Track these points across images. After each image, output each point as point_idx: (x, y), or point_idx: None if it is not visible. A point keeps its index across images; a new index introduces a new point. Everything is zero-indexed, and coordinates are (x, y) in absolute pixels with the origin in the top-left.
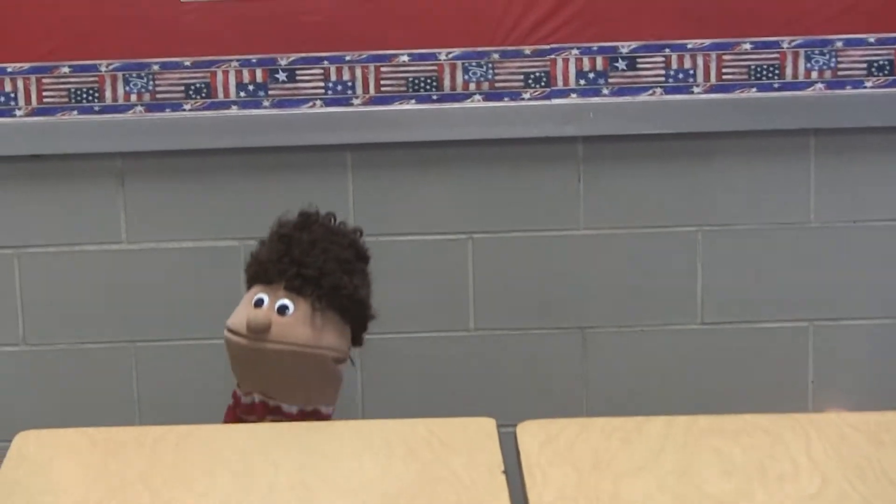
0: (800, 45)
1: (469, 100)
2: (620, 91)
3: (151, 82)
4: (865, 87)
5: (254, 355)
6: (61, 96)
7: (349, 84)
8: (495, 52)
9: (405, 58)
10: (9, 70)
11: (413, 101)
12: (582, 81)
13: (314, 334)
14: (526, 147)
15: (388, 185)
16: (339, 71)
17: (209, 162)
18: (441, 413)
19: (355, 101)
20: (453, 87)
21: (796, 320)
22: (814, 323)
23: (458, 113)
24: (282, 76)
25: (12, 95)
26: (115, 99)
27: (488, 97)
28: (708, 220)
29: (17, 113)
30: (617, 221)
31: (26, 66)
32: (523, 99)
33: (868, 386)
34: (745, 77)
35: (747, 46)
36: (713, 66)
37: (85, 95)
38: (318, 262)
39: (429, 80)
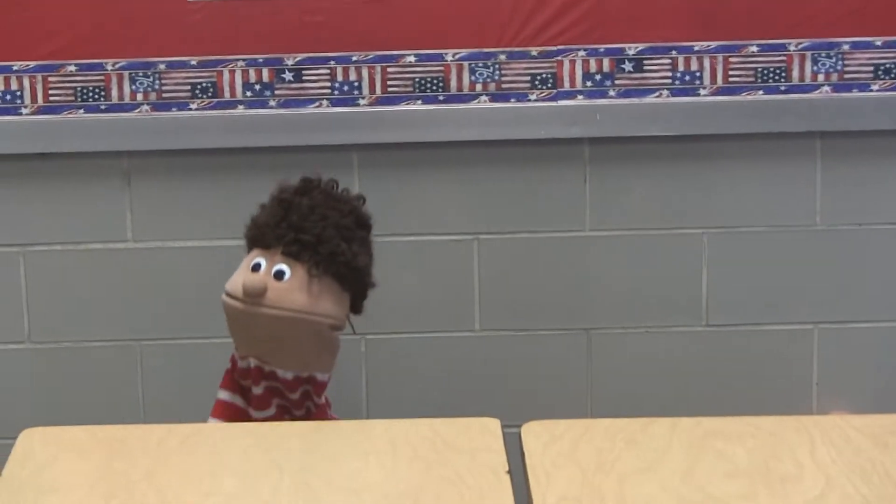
0: (806, 48)
1: (476, 101)
2: (627, 93)
3: (158, 81)
4: (872, 91)
5: (249, 319)
6: (67, 95)
7: (356, 84)
8: (502, 53)
9: (412, 58)
10: (15, 68)
11: (420, 101)
12: (588, 83)
13: (310, 301)
14: (532, 148)
15: (394, 185)
16: (345, 71)
17: (215, 161)
18: (445, 413)
19: (362, 102)
20: (460, 88)
21: (801, 323)
22: (819, 325)
23: (464, 114)
24: (288, 76)
25: (18, 94)
26: (121, 98)
27: (495, 98)
28: (714, 222)
29: (24, 111)
30: (623, 223)
31: (32, 64)
32: (530, 100)
33: (873, 388)
34: (752, 79)
35: (754, 49)
36: (720, 68)
37: (91, 94)
38: (317, 228)
39: (435, 81)
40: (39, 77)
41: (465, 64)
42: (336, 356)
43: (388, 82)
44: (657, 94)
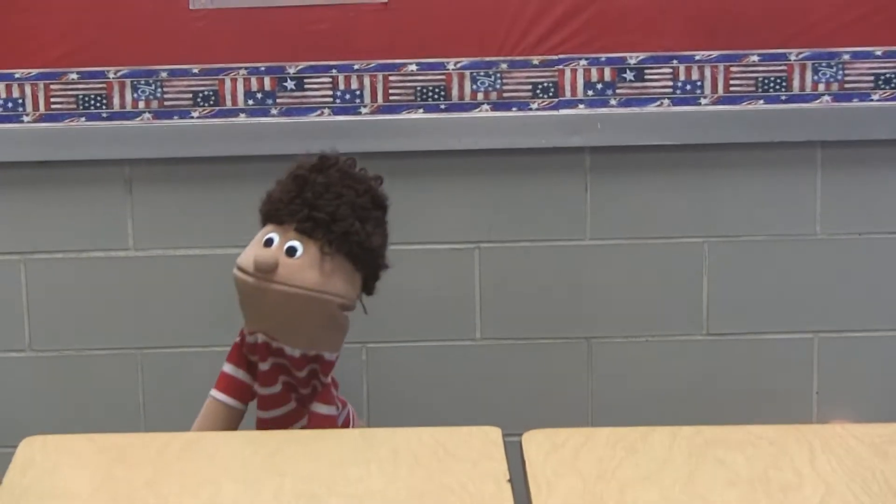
0: (807, 58)
1: (477, 109)
2: (628, 102)
3: (159, 89)
4: (872, 100)
5: (259, 295)
6: (69, 103)
7: (357, 93)
8: (503, 61)
9: (413, 67)
10: (17, 76)
11: (421, 110)
12: (590, 92)
13: (321, 279)
14: (533, 157)
15: (395, 194)
16: (347, 80)
17: (217, 170)
18: (447, 422)
19: (363, 110)
20: (461, 97)
21: (801, 332)
22: (819, 334)
23: (465, 122)
24: (290, 84)
25: (20, 101)
26: (122, 106)
27: (496, 107)
28: (714, 231)
29: (25, 119)
30: (623, 232)
31: (34, 72)
32: (531, 109)
33: (873, 397)
34: (753, 89)
35: (755, 58)
36: (721, 77)
37: (93, 102)
38: (331, 206)
39: (437, 90)
40: (41, 85)
41: (467, 73)
42: (345, 336)
43: (390, 91)
44: (658, 103)
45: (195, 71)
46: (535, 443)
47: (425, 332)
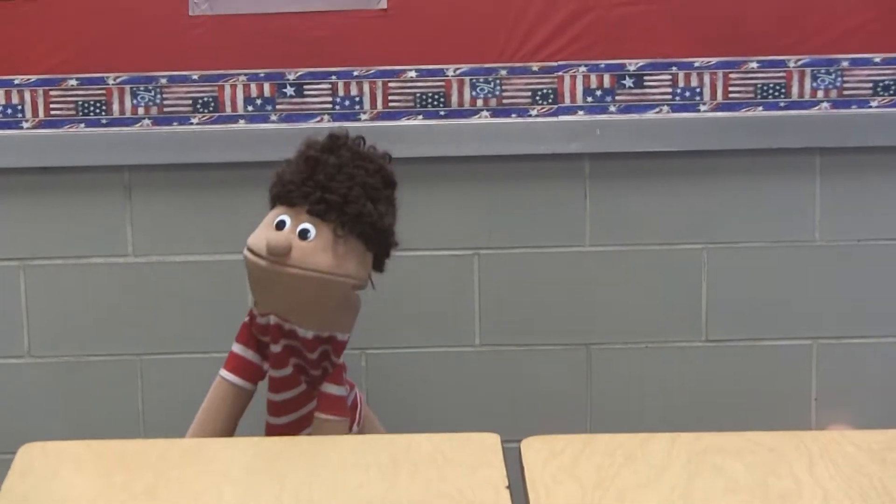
0: (806, 65)
1: (476, 116)
2: (627, 108)
3: (159, 96)
4: (871, 107)
5: (272, 278)
6: (69, 109)
7: (357, 99)
8: (503, 68)
9: (413, 73)
10: (16, 82)
11: (420, 116)
12: (589, 98)
13: (335, 261)
14: (533, 163)
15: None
16: (346, 86)
17: (216, 176)
18: (446, 428)
19: (363, 116)
20: (461, 103)
21: (800, 338)
22: (818, 341)
23: (465, 129)
24: (290, 91)
25: (20, 108)
26: (122, 112)
27: (496, 113)
28: (713, 238)
29: (25, 125)
30: (623, 238)
31: (33, 78)
32: (530, 115)
33: (871, 404)
34: (752, 96)
35: (754, 65)
36: (720, 84)
37: (92, 108)
38: (344, 188)
39: (436, 96)
40: (41, 91)
41: (466, 79)
42: (356, 316)
43: (389, 97)
44: (657, 109)
45: (195, 77)
46: (534, 449)
47: (424, 339)
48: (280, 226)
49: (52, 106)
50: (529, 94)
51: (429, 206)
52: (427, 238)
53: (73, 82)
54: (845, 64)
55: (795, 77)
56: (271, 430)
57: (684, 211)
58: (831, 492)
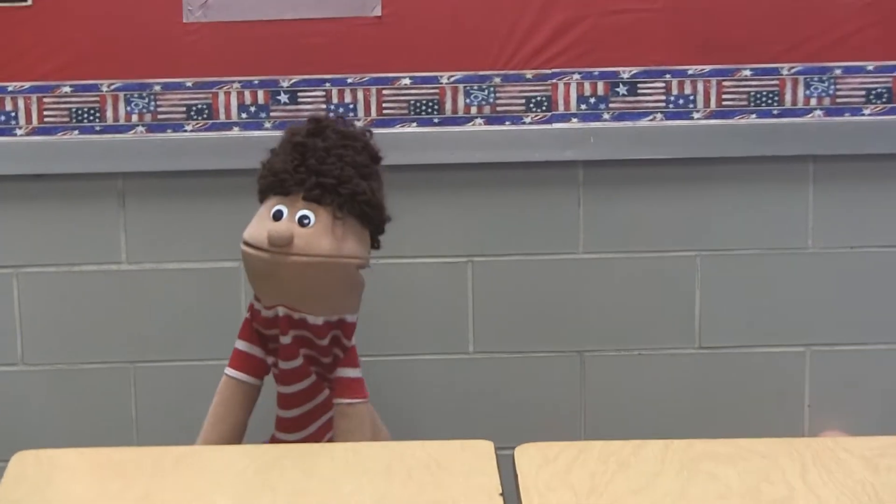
0: (799, 73)
1: (470, 123)
2: (621, 116)
3: (153, 103)
4: (864, 115)
5: (276, 269)
6: (62, 116)
7: (351, 106)
8: (497, 75)
9: (407, 81)
10: (10, 89)
11: (414, 123)
12: (583, 106)
13: (337, 244)
14: (526, 171)
15: (388, 207)
16: (340, 93)
17: (210, 183)
18: (439, 435)
19: (357, 124)
20: (455, 111)
21: (793, 345)
22: (811, 348)
23: (459, 136)
24: (284, 98)
25: (13, 115)
26: (116, 119)
27: (490, 121)
28: (707, 245)
29: (18, 132)
30: (616, 245)
31: (27, 85)
32: (524, 123)
33: (864, 410)
34: (745, 103)
35: (747, 73)
36: (713, 92)
37: (86, 115)
38: (336, 170)
39: (430, 104)
40: (34, 98)
41: (461, 86)
42: (361, 295)
43: (384, 104)
44: (651, 117)
45: (188, 84)
46: (528, 456)
47: (418, 346)
48: (277, 216)
49: (45, 113)
50: (523, 101)
51: (423, 213)
52: (421, 245)
53: (67, 89)
54: (838, 72)
55: (789, 85)
56: (282, 424)
57: (678, 218)
58: (824, 498)
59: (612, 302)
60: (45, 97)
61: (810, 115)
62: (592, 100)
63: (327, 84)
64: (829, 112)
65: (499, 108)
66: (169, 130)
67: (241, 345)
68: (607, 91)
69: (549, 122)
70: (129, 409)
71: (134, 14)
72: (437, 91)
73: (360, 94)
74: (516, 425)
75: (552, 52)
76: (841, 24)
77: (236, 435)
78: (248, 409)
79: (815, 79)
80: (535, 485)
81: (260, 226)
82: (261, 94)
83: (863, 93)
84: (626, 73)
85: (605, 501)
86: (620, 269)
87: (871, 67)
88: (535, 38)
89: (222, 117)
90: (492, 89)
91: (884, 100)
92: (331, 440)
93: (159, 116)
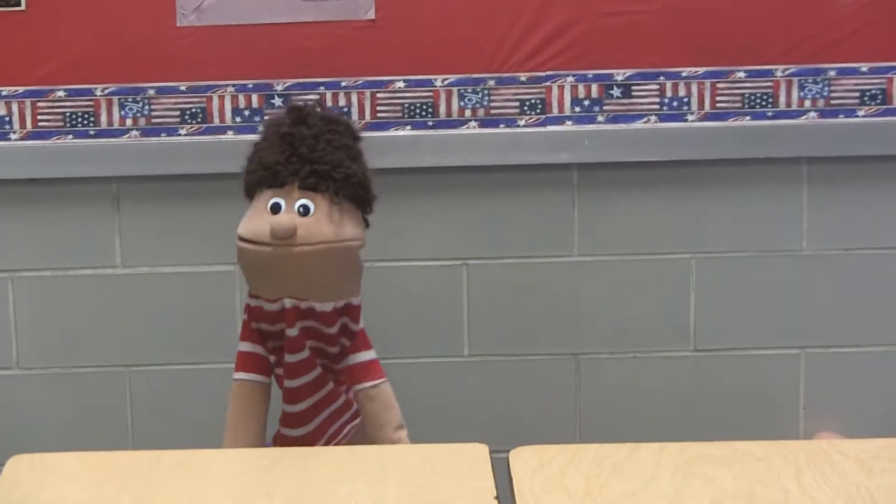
0: (793, 74)
1: (465, 126)
2: (615, 118)
3: (147, 107)
4: (858, 116)
5: (281, 262)
6: (56, 120)
7: (345, 110)
8: (491, 78)
9: (401, 84)
10: (4, 93)
11: (409, 127)
12: (577, 109)
13: (337, 228)
14: (521, 173)
15: (383, 210)
16: (335, 97)
17: (204, 187)
18: (434, 438)
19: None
20: (449, 114)
21: (788, 347)
22: (805, 350)
23: (453, 139)
24: (278, 102)
25: (7, 119)
26: (110, 123)
27: (484, 124)
28: (701, 248)
29: (12, 136)
30: (611, 248)
31: (21, 89)
32: (519, 126)
33: (859, 413)
34: (739, 105)
35: (741, 75)
36: (707, 94)
37: (80, 119)
38: (328, 155)
39: (425, 107)
40: (28, 102)
41: (455, 89)
42: (361, 277)
43: (378, 108)
44: (645, 119)
45: (182, 88)
46: (523, 459)
47: (413, 349)
48: (276, 209)
49: (39, 117)
50: (517, 104)
51: (417, 216)
52: (416, 248)
53: (61, 93)
54: (832, 73)
55: (783, 86)
56: (288, 420)
57: (672, 220)
58: (819, 501)
59: (607, 304)
60: (39, 101)
61: (804, 117)
62: (586, 102)
63: (321, 87)
64: (823, 114)
65: (493, 111)
66: (163, 134)
67: (244, 346)
68: (601, 93)
69: (543, 124)
70: (124, 413)
71: (128, 18)
72: (431, 94)
73: (354, 98)
74: (511, 428)
75: (546, 55)
76: (835, 26)
77: (260, 438)
78: (266, 408)
79: (809, 80)
80: (529, 488)
81: (258, 220)
82: (255, 97)
83: (857, 94)
84: (619, 75)
85: None
86: (615, 271)
87: (864, 69)
88: (529, 40)
89: (216, 121)
90: (486, 92)
91: (878, 101)
92: (337, 432)
93: (153, 120)
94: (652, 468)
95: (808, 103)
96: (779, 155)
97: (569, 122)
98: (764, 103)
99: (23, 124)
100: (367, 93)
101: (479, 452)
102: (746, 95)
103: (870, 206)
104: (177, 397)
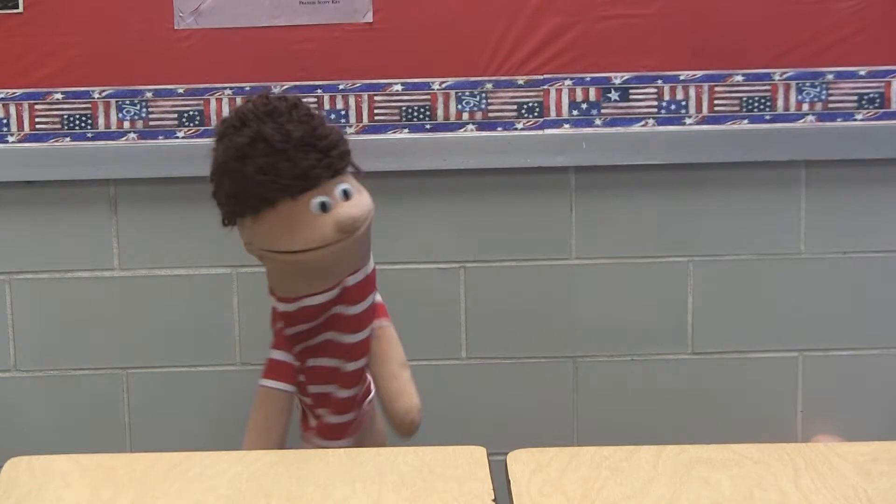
0: (791, 78)
1: (462, 129)
2: (613, 122)
3: (145, 109)
4: (856, 120)
5: (345, 250)
6: (54, 123)
7: (343, 113)
8: (489, 81)
9: (399, 87)
10: (1, 96)
11: (406, 130)
12: (575, 112)
13: (366, 195)
14: (519, 177)
15: (380, 213)
16: (332, 99)
17: (202, 190)
18: (432, 441)
19: (349, 130)
20: (446, 117)
21: (786, 350)
22: (803, 353)
23: (451, 142)
24: None
25: (5, 121)
26: (108, 126)
27: (481, 127)
28: (699, 251)
29: (10, 139)
30: (608, 251)
31: (19, 92)
32: (516, 129)
33: (857, 416)
34: (737, 108)
35: (739, 78)
36: (705, 97)
37: (78, 122)
38: (333, 136)
39: (422, 110)
40: (26, 105)
41: (452, 93)
42: None
43: (375, 111)
44: (643, 122)
45: (180, 91)
46: (521, 462)
47: (411, 352)
48: (324, 207)
49: (37, 120)
50: (515, 107)
51: (415, 219)
52: (413, 251)
53: (59, 96)
54: (830, 77)
55: (781, 90)
56: (340, 405)
57: (670, 224)
58: None
59: (605, 307)
60: (36, 104)
61: (802, 121)
62: (584, 105)
63: (319, 90)
64: (821, 117)
65: (490, 114)
66: (161, 137)
67: (278, 355)
68: (599, 97)
69: (540, 127)
70: (122, 416)
71: (125, 21)
72: (428, 97)
73: (351, 101)
74: (509, 431)
75: (544, 58)
76: (833, 29)
77: (282, 447)
78: (290, 417)
79: (808, 84)
80: (527, 491)
81: (308, 227)
82: None
83: (855, 98)
84: (617, 78)
85: None
86: (613, 274)
87: (863, 72)
88: (527, 43)
89: (214, 124)
90: (483, 95)
91: (876, 105)
92: (364, 410)
93: (151, 123)
94: (650, 471)
95: (805, 107)
96: (777, 158)
97: (566, 126)
98: (762, 107)
99: (20, 126)
100: (365, 96)
101: (476, 455)
102: (744, 99)
103: (868, 209)
104: (174, 400)
